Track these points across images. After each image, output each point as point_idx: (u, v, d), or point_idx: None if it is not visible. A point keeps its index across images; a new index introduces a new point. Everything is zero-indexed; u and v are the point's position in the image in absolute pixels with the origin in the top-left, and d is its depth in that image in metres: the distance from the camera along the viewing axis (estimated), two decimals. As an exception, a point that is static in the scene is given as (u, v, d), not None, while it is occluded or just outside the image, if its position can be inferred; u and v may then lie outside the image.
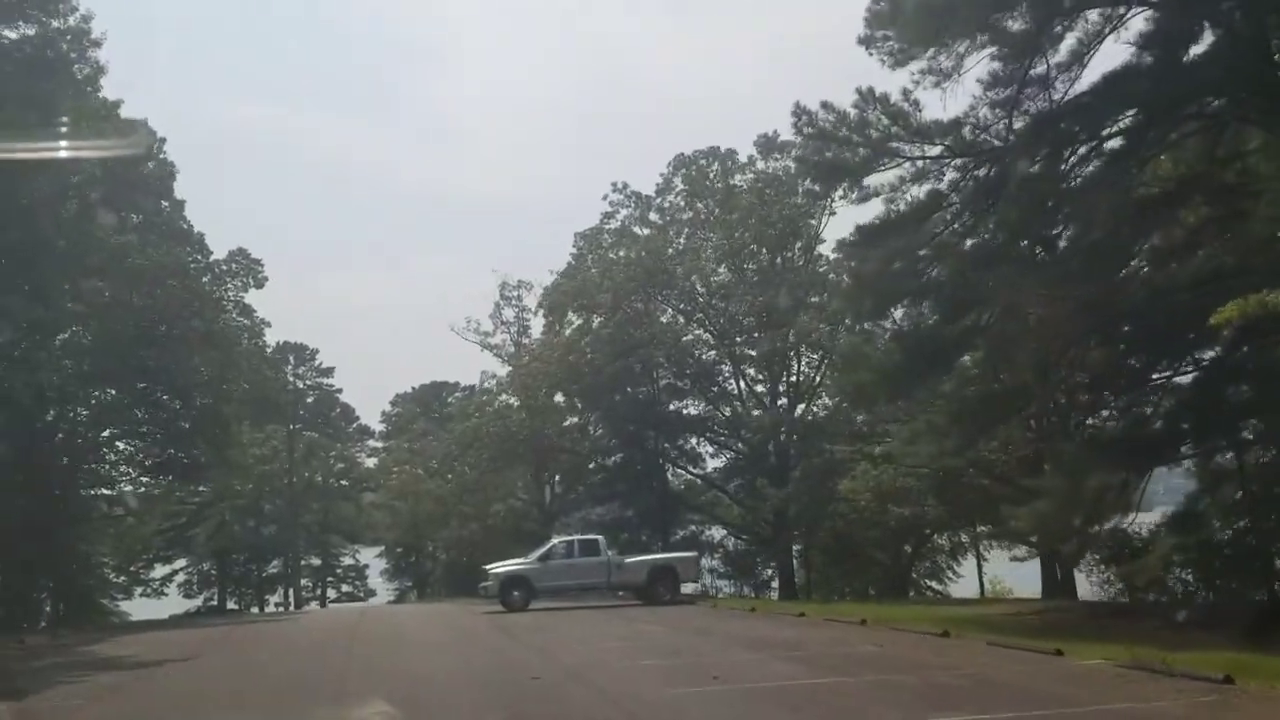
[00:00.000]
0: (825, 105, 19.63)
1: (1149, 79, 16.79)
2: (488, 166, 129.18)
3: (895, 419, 28.70)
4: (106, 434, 39.12)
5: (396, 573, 75.48)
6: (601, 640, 17.52)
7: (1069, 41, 18.04)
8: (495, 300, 49.50)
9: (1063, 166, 17.98)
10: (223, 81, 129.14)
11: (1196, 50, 17.14)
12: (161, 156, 37.93)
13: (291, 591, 71.54)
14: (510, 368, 45.53)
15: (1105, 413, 22.75)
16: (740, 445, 41.31)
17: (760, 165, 38.54)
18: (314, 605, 73.06)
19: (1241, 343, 16.07)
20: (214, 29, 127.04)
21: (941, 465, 23.94)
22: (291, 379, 72.57)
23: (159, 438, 38.40)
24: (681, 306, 40.09)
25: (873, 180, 19.20)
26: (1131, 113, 17.45)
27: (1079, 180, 17.94)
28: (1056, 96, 18.08)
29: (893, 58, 18.45)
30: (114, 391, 35.78)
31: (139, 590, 65.25)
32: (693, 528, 44.82)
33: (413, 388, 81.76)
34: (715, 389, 40.79)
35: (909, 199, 19.02)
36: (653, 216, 41.25)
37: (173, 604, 65.32)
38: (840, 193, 20.25)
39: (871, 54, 18.75)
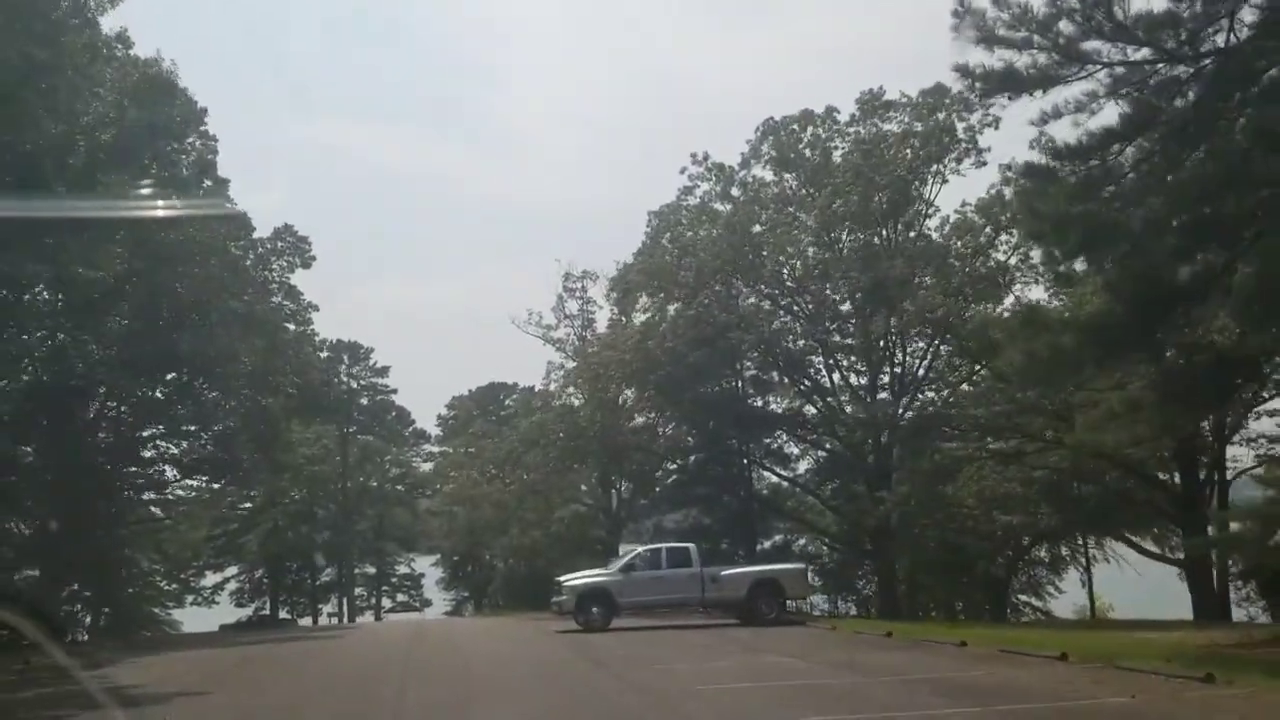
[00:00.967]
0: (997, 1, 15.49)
1: None
2: (547, 178, 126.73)
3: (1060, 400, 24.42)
4: (148, 433, 36.03)
5: (453, 581, 72.25)
6: (730, 679, 13.51)
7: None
8: (557, 292, 45.92)
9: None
10: (289, 97, 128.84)
11: None
12: (203, 129, 34.84)
13: (345, 601, 68.64)
14: (575, 362, 41.78)
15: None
16: (832, 444, 36.99)
17: (858, 131, 34.23)
18: (368, 616, 70.21)
19: None
20: (281, 47, 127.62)
21: (1125, 452, 19.42)
22: (345, 379, 69.66)
23: (199, 435, 35.23)
24: (768, 290, 35.81)
25: (1058, 95, 15.02)
26: None
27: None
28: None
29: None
30: (150, 388, 32.54)
31: (190, 599, 63.09)
32: (779, 537, 40.62)
33: (469, 390, 78.18)
34: (807, 382, 36.45)
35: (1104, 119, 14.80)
36: (734, 192, 37.09)
37: (224, 613, 62.90)
38: (1001, 105, 16.02)
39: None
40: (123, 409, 33.70)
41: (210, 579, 64.76)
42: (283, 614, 66.45)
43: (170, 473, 35.81)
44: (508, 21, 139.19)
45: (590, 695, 12.77)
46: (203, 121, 34.81)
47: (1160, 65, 15.11)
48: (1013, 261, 32.18)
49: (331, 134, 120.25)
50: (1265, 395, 26.35)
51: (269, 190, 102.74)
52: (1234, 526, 18.88)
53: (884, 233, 34.38)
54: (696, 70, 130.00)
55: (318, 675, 16.88)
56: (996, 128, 32.39)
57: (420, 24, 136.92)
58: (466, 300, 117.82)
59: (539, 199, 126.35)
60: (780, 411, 37.63)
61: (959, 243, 31.65)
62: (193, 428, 35.28)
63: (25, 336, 28.67)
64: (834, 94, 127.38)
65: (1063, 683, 11.93)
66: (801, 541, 39.49)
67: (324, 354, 38.25)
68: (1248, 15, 14.89)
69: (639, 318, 38.66)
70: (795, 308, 36.23)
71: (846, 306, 35.93)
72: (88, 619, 40.50)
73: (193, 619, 58.39)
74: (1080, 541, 37.22)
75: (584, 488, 51.73)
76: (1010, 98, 15.63)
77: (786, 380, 37.13)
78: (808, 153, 35.11)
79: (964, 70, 15.85)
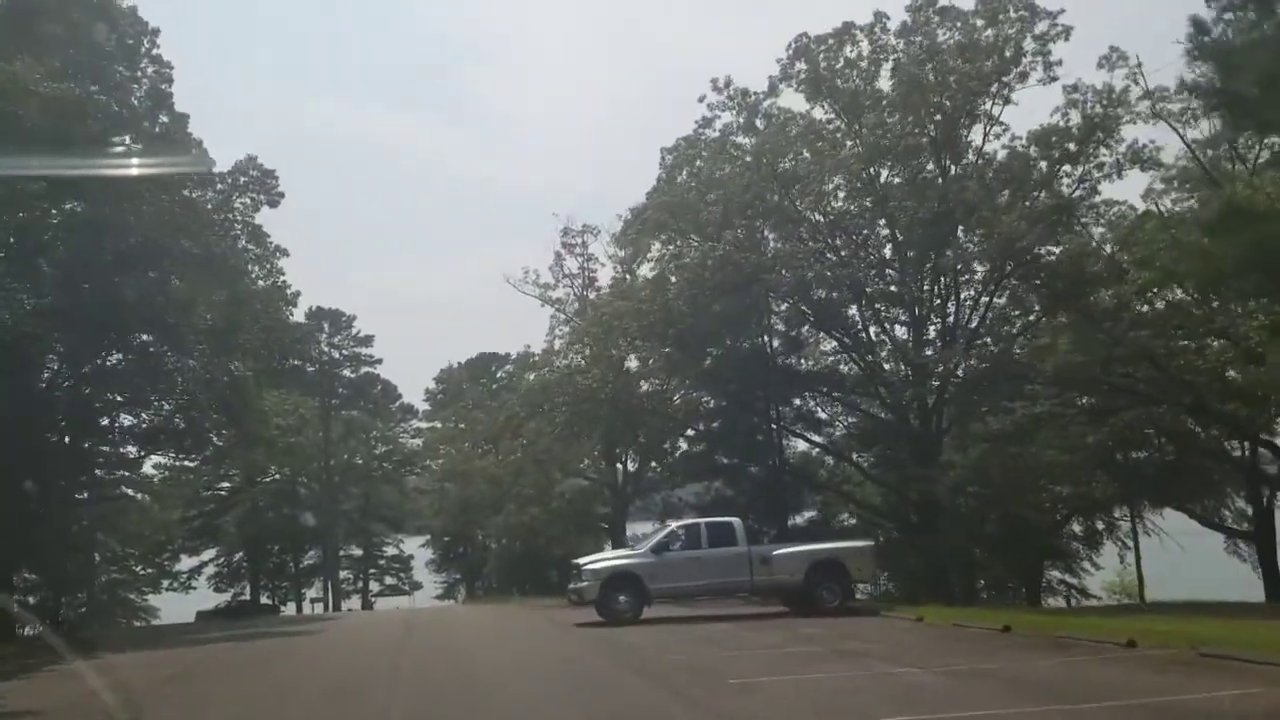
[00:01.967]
0: None
1: None
2: (540, 162, 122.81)
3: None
4: (100, 403, 31.55)
5: (444, 563, 68.40)
6: (860, 701, 9.37)
7: None
8: (555, 249, 41.76)
9: None
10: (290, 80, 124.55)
11: None
12: (156, 53, 30.33)
13: (329, 585, 64.49)
14: (575, 324, 37.55)
15: None
16: (871, 406, 32.83)
17: (904, 46, 29.80)
18: (354, 601, 66.11)
19: None
20: (277, 30, 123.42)
21: None
22: (326, 348, 65.21)
23: (155, 402, 30.86)
24: (798, 232, 31.41)
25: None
26: None
27: None
28: None
29: None
30: (96, 345, 28.03)
31: (166, 584, 59.15)
32: (811, 513, 36.55)
33: (458, 363, 73.45)
34: (846, 337, 32.10)
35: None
36: (759, 124, 32.67)
37: (202, 598, 58.83)
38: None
39: None
40: (82, 372, 29.32)
41: (186, 563, 60.82)
42: (264, 599, 62.59)
43: (128, 447, 31.24)
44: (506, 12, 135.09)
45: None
46: (155, 44, 30.36)
47: None
48: (1077, 194, 28.10)
49: (315, 110, 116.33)
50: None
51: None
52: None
53: (931, 166, 30.12)
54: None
55: (277, 693, 12.64)
56: (1067, 39, 28.30)
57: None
58: (453, 282, 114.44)
59: (528, 181, 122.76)
60: (814, 369, 33.33)
61: (1042, 163, 27.24)
62: (151, 395, 30.93)
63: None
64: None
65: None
66: (843, 516, 35.28)
67: (295, 313, 33.38)
68: None
69: (646, 271, 34.34)
70: (828, 254, 31.86)
71: (888, 251, 31.75)
72: (59, 611, 36.50)
73: (170, 605, 54.40)
74: (1126, 514, 33.97)
75: (586, 461, 47.67)
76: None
77: (821, 334, 32.95)
78: (851, 75, 30.63)
79: None
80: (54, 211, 24.74)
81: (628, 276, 34.49)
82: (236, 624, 35.22)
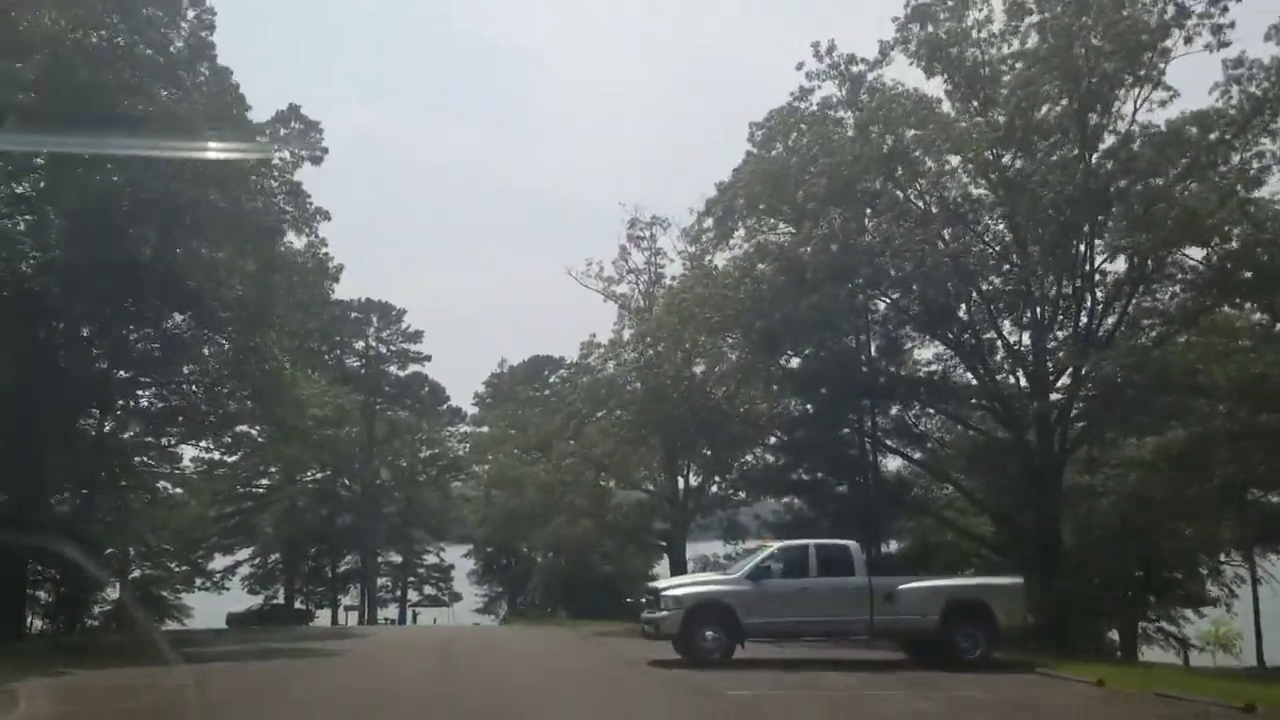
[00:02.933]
0: None
1: None
2: (591, 168, 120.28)
3: None
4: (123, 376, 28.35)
5: (485, 575, 64.94)
6: None
7: None
8: (620, 243, 38.14)
9: None
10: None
11: None
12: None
13: (366, 593, 61.29)
14: (645, 315, 33.73)
15: None
16: (984, 420, 28.65)
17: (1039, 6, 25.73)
18: (391, 612, 62.93)
19: None
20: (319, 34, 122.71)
21: None
22: (373, 342, 62.21)
23: (175, 381, 27.60)
24: (906, 218, 27.29)
25: None
26: None
27: None
28: None
29: None
30: (109, 309, 24.73)
31: (199, 583, 56.30)
32: (899, 542, 32.24)
33: (510, 365, 69.88)
34: (962, 340, 27.83)
35: None
36: (864, 98, 28.73)
37: (234, 600, 55.98)
38: None
39: None
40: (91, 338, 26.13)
41: (220, 562, 58.03)
42: (298, 604, 59.67)
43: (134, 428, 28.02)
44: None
45: None
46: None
47: None
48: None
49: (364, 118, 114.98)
50: None
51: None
52: None
53: (1072, 146, 25.84)
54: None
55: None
56: (1239, -1, 23.90)
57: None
58: (503, 291, 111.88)
59: (583, 190, 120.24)
60: (916, 375, 29.21)
61: (1220, 131, 22.76)
62: (168, 374, 27.67)
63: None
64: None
65: None
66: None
67: (337, 291, 29.90)
68: None
69: (726, 259, 30.41)
70: (940, 243, 27.62)
71: (1008, 242, 27.52)
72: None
73: (202, 605, 51.55)
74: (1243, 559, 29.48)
75: (644, 471, 43.88)
76: None
77: (926, 337, 28.86)
78: (977, 41, 26.56)
79: None
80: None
81: (709, 261, 30.57)
82: (262, 633, 32.02)
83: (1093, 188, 24.03)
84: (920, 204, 27.73)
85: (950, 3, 26.82)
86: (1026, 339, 27.66)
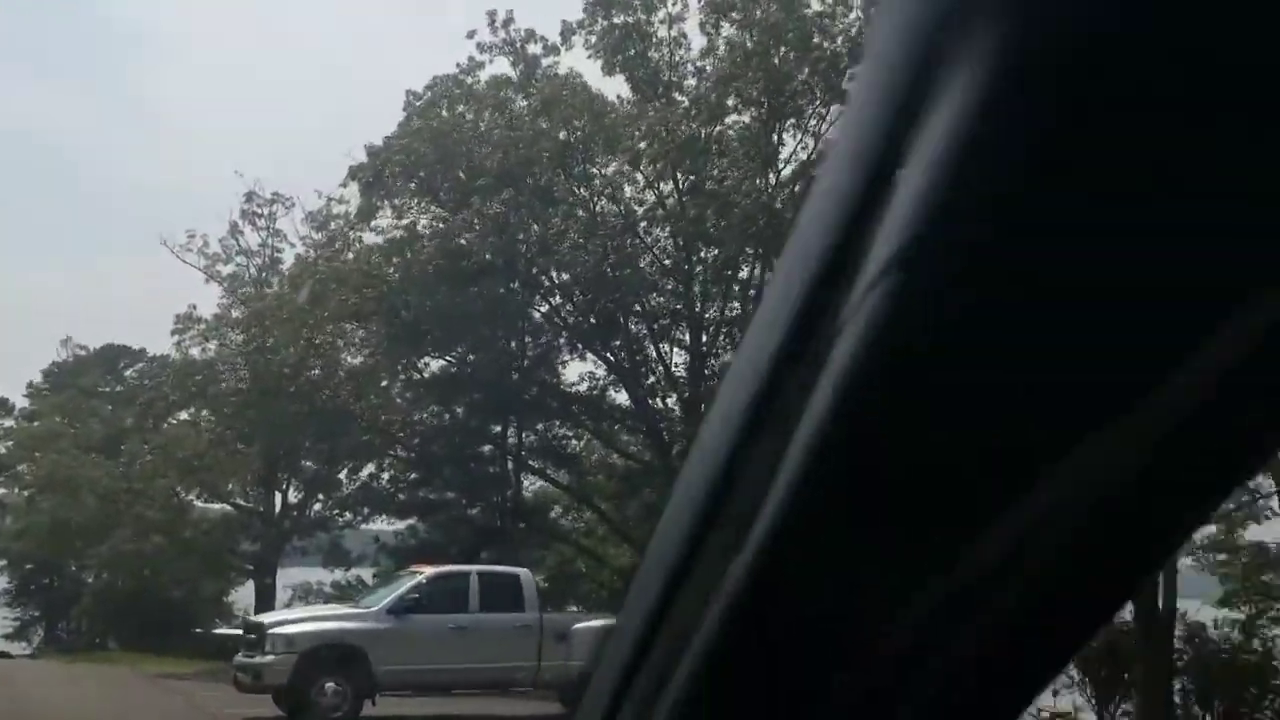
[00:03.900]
0: None
1: None
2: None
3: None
4: None
5: (20, 596, 54.11)
6: None
7: None
8: (231, 219, 31.68)
9: None
10: None
11: None
12: None
13: None
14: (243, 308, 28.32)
15: None
16: (638, 443, 26.86)
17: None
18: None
19: None
20: None
21: None
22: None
23: None
24: (574, 217, 24.81)
25: None
26: None
27: None
28: None
29: None
30: None
31: None
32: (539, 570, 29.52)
33: (76, 353, 59.11)
34: (620, 358, 25.63)
35: None
36: (538, 84, 26.03)
37: None
38: None
39: None
40: None
41: None
42: None
43: None
44: None
45: None
46: None
47: None
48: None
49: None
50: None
51: None
52: None
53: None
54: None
55: None
56: None
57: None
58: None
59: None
60: (573, 390, 26.80)
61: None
62: None
63: None
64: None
65: None
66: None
67: None
68: None
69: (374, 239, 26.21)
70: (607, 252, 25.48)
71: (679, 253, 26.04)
72: None
73: None
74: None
75: (232, 483, 37.93)
76: None
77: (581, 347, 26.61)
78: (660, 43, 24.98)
79: None
80: None
81: (351, 236, 26.04)
82: None
83: (773, 206, 23.11)
84: (595, 204, 25.67)
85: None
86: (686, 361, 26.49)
